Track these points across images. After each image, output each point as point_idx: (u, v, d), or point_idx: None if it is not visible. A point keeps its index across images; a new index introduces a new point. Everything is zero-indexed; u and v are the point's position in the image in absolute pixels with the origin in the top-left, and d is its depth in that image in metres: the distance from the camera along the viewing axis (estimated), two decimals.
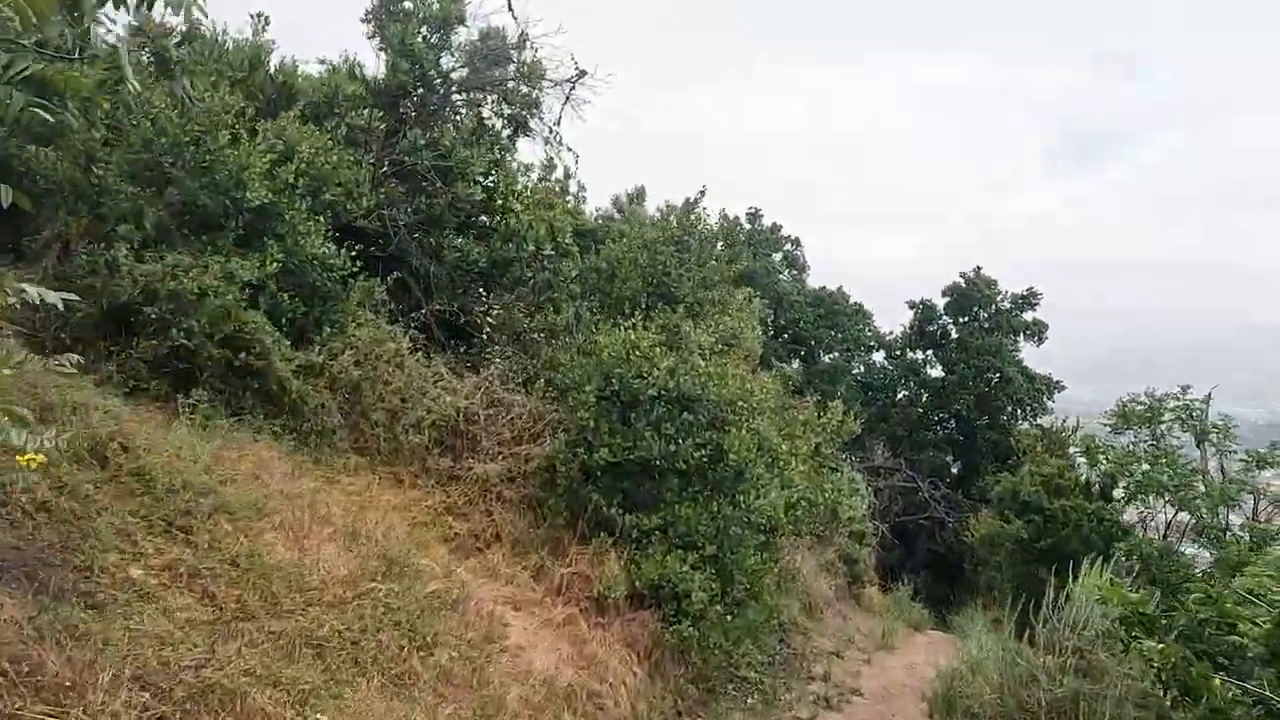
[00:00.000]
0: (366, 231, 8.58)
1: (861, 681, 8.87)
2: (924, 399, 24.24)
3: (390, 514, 6.36)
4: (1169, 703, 5.11)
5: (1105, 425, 13.81)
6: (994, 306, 23.33)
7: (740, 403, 7.79)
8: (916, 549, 20.67)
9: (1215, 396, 12.89)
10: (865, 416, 15.74)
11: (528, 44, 10.00)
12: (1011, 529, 13.66)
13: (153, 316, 6.15)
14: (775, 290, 22.75)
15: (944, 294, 23.93)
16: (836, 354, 24.50)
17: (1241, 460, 12.17)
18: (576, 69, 10.01)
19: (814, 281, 25.64)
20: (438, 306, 9.06)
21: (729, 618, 7.43)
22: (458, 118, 10.35)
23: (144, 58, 7.73)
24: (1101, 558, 7.72)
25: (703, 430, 7.48)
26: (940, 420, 23.99)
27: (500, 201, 9.78)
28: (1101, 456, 13.26)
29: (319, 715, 3.60)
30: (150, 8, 2.47)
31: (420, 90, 9.69)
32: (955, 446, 23.75)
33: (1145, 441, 13.12)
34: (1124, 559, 11.10)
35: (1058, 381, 22.98)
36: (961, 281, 23.66)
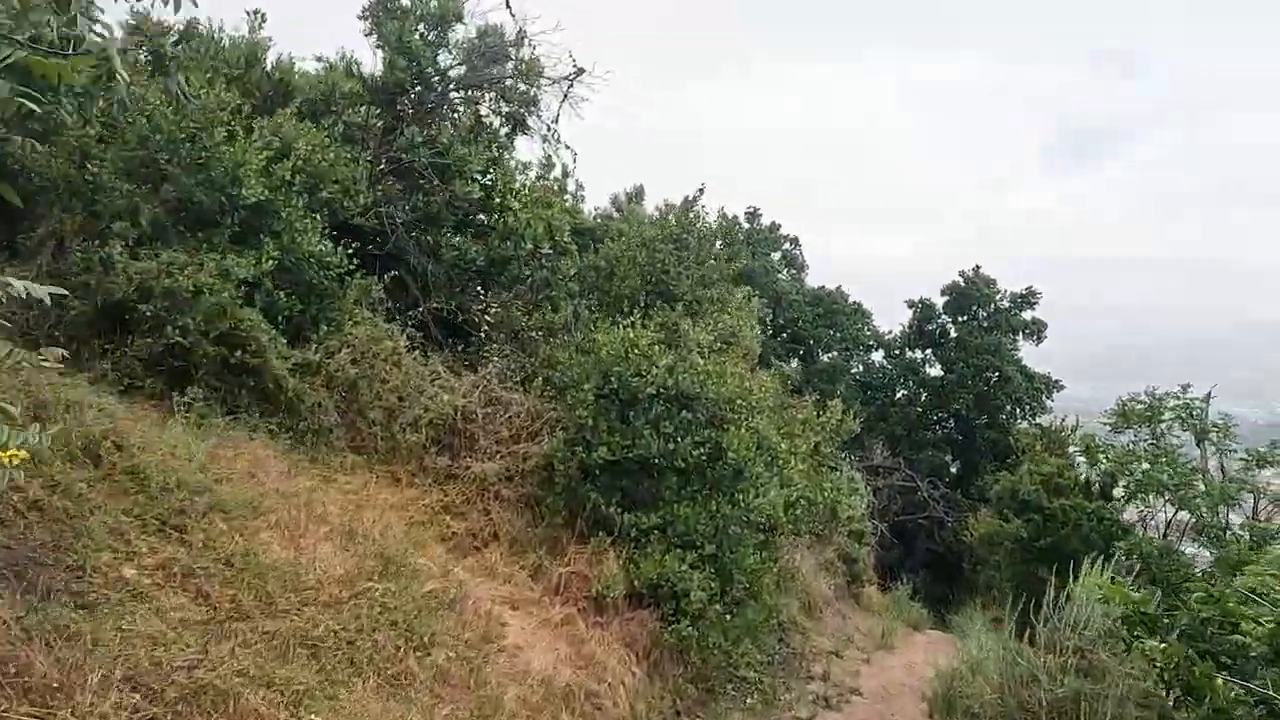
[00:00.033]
0: (364, 229, 8.53)
1: (861, 681, 8.84)
2: (923, 398, 24.20)
3: (387, 513, 6.31)
4: (1171, 703, 5.07)
5: (1105, 424, 13.78)
6: (993, 305, 23.30)
7: (739, 401, 7.75)
8: (915, 548, 20.64)
9: (1214, 395, 12.86)
10: (864, 416, 15.69)
11: (525, 41, 9.95)
12: (1011, 528, 13.63)
13: (147, 314, 6.11)
14: (774, 289, 22.71)
15: (943, 293, 23.89)
16: (835, 353, 24.46)
17: (1242, 459, 12.14)
18: (574, 66, 9.97)
19: (813, 280, 25.62)
20: (435, 305, 9.01)
21: (728, 617, 7.39)
22: (455, 115, 10.30)
23: (141, 55, 7.71)
24: (1102, 557, 7.69)
25: (701, 429, 7.44)
26: (939, 419, 23.96)
27: (498, 200, 9.73)
28: (1101, 455, 13.23)
29: (313, 716, 3.56)
30: None
31: (418, 88, 9.64)
32: (954, 446, 23.71)
33: (1145, 440, 13.08)
34: (1124, 558, 11.07)
35: (1057, 380, 22.94)
36: (960, 280, 23.62)
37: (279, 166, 7.31)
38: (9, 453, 2.32)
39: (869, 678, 9.06)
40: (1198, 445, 12.81)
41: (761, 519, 7.63)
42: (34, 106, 2.43)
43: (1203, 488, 11.91)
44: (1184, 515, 12.69)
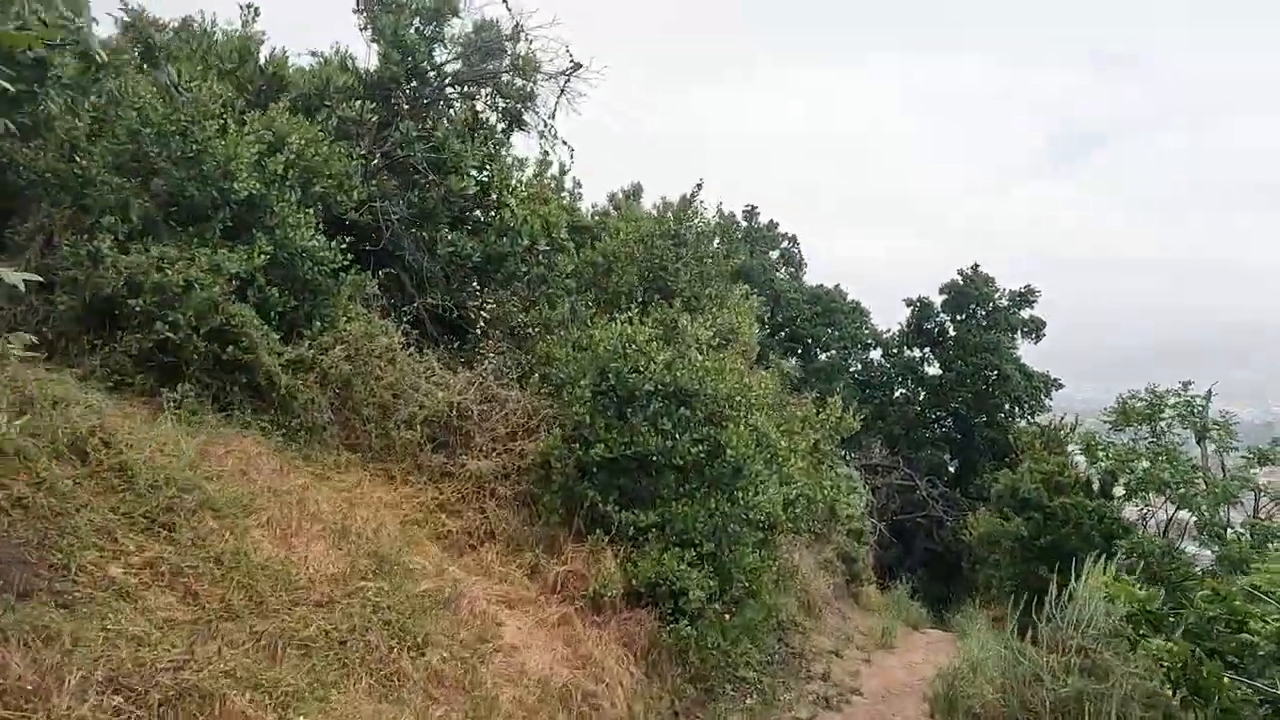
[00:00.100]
0: (358, 225, 8.43)
1: (861, 681, 8.76)
2: (921, 397, 24.16)
3: (381, 511, 6.22)
4: (1178, 702, 5.00)
5: (1105, 422, 13.73)
6: (992, 304, 23.26)
7: (738, 398, 7.67)
8: (914, 547, 20.59)
9: (1215, 394, 12.81)
10: (863, 414, 15.63)
11: (522, 36, 9.86)
12: (1011, 527, 13.55)
13: (137, 309, 6.01)
14: (772, 287, 22.66)
15: (941, 291, 23.84)
16: (833, 352, 24.40)
17: (1244, 456, 12.10)
18: (571, 61, 9.88)
19: (813, 280, 25.58)
20: (431, 301, 8.92)
21: (727, 616, 7.31)
22: (451, 111, 10.21)
23: (135, 52, 7.61)
24: (1104, 555, 7.62)
25: (700, 426, 7.36)
26: (938, 418, 23.91)
27: (495, 196, 9.65)
28: (1101, 453, 13.17)
29: (301, 718, 3.47)
30: None
31: (413, 83, 9.54)
32: (953, 444, 23.67)
33: (1145, 439, 13.03)
34: (1124, 557, 11.01)
35: (1056, 379, 22.90)
36: (959, 279, 23.58)
37: (271, 161, 7.20)
38: None
39: (869, 677, 8.98)
40: (1198, 443, 12.77)
41: (761, 517, 7.54)
42: (6, 85, 2.34)
43: (1203, 486, 11.86)
44: (1184, 514, 12.64)
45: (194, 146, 6.68)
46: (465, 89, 10.18)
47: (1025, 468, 14.52)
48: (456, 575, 5.94)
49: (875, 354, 25.07)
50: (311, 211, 7.44)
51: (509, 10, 9.68)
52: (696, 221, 10.78)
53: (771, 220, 25.57)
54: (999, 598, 13.78)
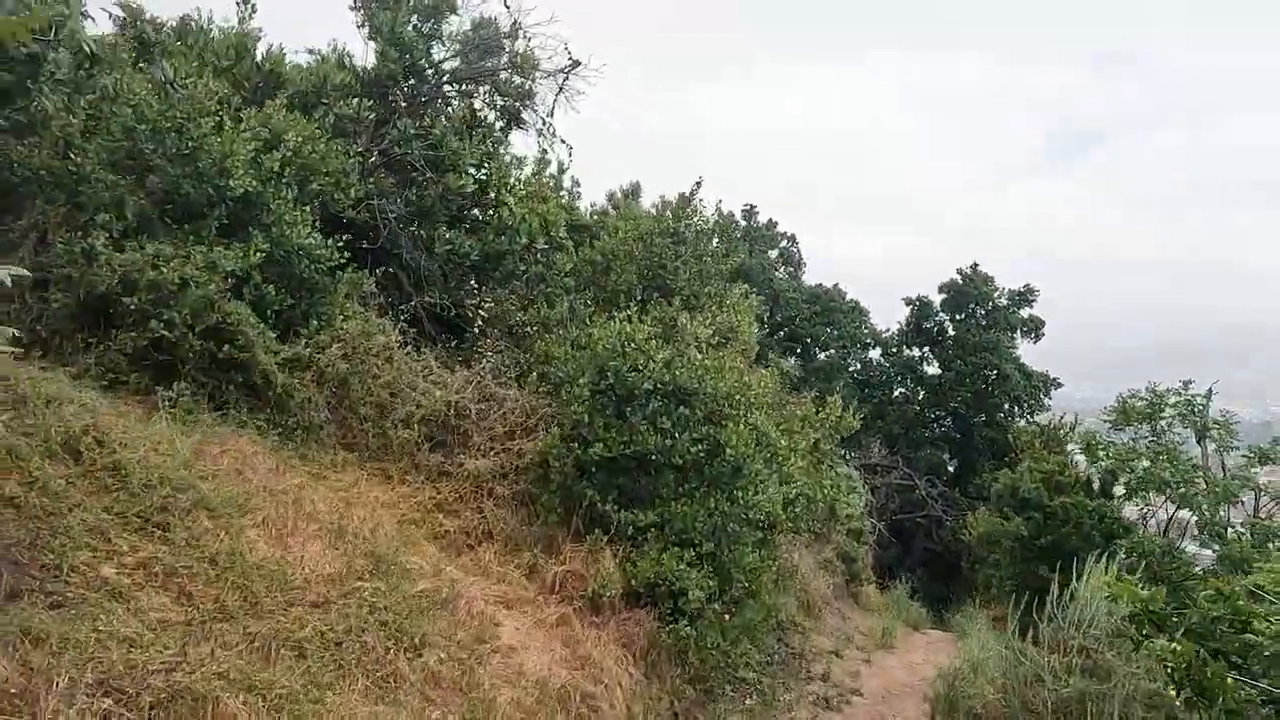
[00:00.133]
0: (355, 223, 8.37)
1: (861, 681, 8.72)
2: (921, 396, 24.13)
3: (378, 511, 6.17)
4: (1182, 704, 4.96)
5: (1106, 421, 13.70)
6: (991, 303, 23.23)
7: (738, 397, 7.62)
8: (913, 547, 20.56)
9: (1215, 393, 12.79)
10: (862, 414, 15.59)
11: (520, 33, 9.81)
12: (1011, 526, 13.51)
13: (132, 307, 5.95)
14: (771, 287, 22.62)
15: (940, 290, 23.81)
16: (832, 351, 24.37)
17: (1244, 456, 12.07)
18: (570, 59, 9.84)
19: (812, 279, 25.55)
20: (428, 300, 8.87)
21: (727, 617, 7.27)
22: (449, 109, 10.16)
23: (130, 48, 7.55)
24: (1105, 555, 7.58)
25: (700, 425, 7.31)
26: (937, 418, 23.88)
27: (493, 194, 9.60)
28: (1102, 453, 13.14)
29: None
30: None
31: (411, 80, 9.49)
32: (952, 444, 23.65)
33: (1146, 438, 13.00)
34: (1125, 556, 10.98)
35: (1055, 379, 22.87)
36: (958, 278, 23.55)
37: (268, 158, 7.14)
38: None
39: (869, 678, 8.94)
40: (1198, 442, 12.75)
41: (761, 517, 7.50)
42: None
43: (1204, 485, 11.83)
44: (1184, 513, 12.62)
45: (189, 143, 6.61)
46: (463, 87, 10.13)
47: (1025, 467, 14.49)
48: (454, 575, 5.89)
49: (874, 353, 25.05)
50: (308, 209, 7.38)
51: (507, 7, 9.65)
52: (695, 220, 10.74)
53: (770, 219, 25.56)
54: (999, 597, 13.75)
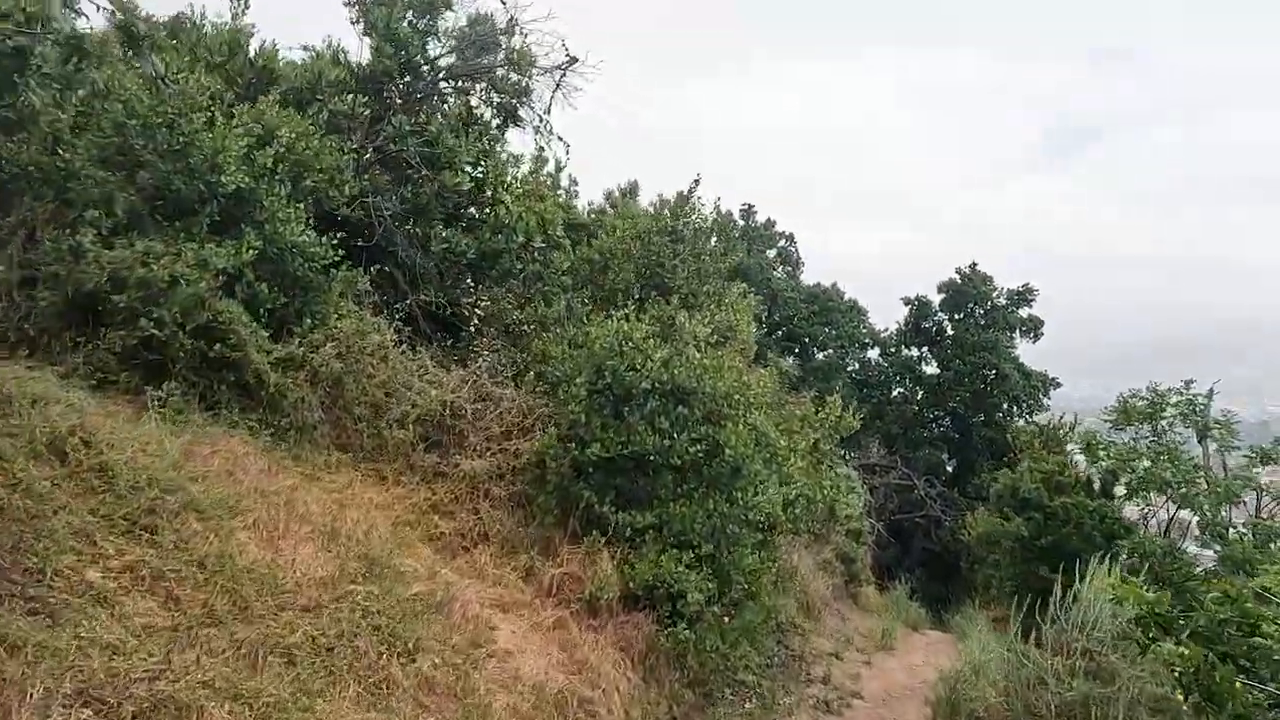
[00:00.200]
0: (350, 220, 8.27)
1: (861, 684, 8.64)
2: (919, 396, 24.09)
3: (372, 512, 6.07)
4: (1190, 708, 4.87)
5: (1106, 421, 13.63)
6: (990, 303, 23.18)
7: (737, 396, 7.53)
8: (912, 547, 20.52)
9: (1217, 392, 12.73)
10: (861, 414, 15.54)
11: (517, 30, 9.71)
12: (1011, 526, 13.45)
13: (121, 305, 5.84)
14: (769, 286, 22.56)
15: (939, 290, 23.77)
16: (831, 351, 24.32)
17: (1245, 456, 12.01)
18: (567, 55, 9.73)
19: (809, 277, 25.52)
20: (424, 298, 8.76)
21: (726, 619, 7.17)
22: (445, 106, 10.06)
23: (119, 42, 7.45)
24: (1106, 556, 7.51)
25: (698, 424, 7.22)
26: (936, 418, 23.85)
27: (489, 192, 9.50)
28: (1102, 453, 13.07)
29: None
30: None
31: (406, 77, 9.39)
32: (951, 444, 23.60)
33: (1147, 438, 12.93)
34: (1127, 557, 10.91)
35: (1054, 378, 22.83)
36: (957, 278, 23.51)
37: (260, 154, 7.03)
38: None
39: (869, 680, 8.86)
40: (1199, 442, 12.68)
41: (760, 518, 7.41)
42: None
43: (1205, 485, 11.77)
44: (1185, 514, 12.55)
45: (181, 139, 6.51)
46: (459, 83, 10.02)
47: (1025, 467, 14.43)
48: (449, 578, 5.79)
49: (873, 353, 25.01)
50: (302, 206, 7.27)
51: (504, 4, 9.54)
52: (694, 218, 10.66)
53: (769, 219, 25.51)
54: (998, 598, 13.70)
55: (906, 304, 24.27)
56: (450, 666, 4.78)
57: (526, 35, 9.65)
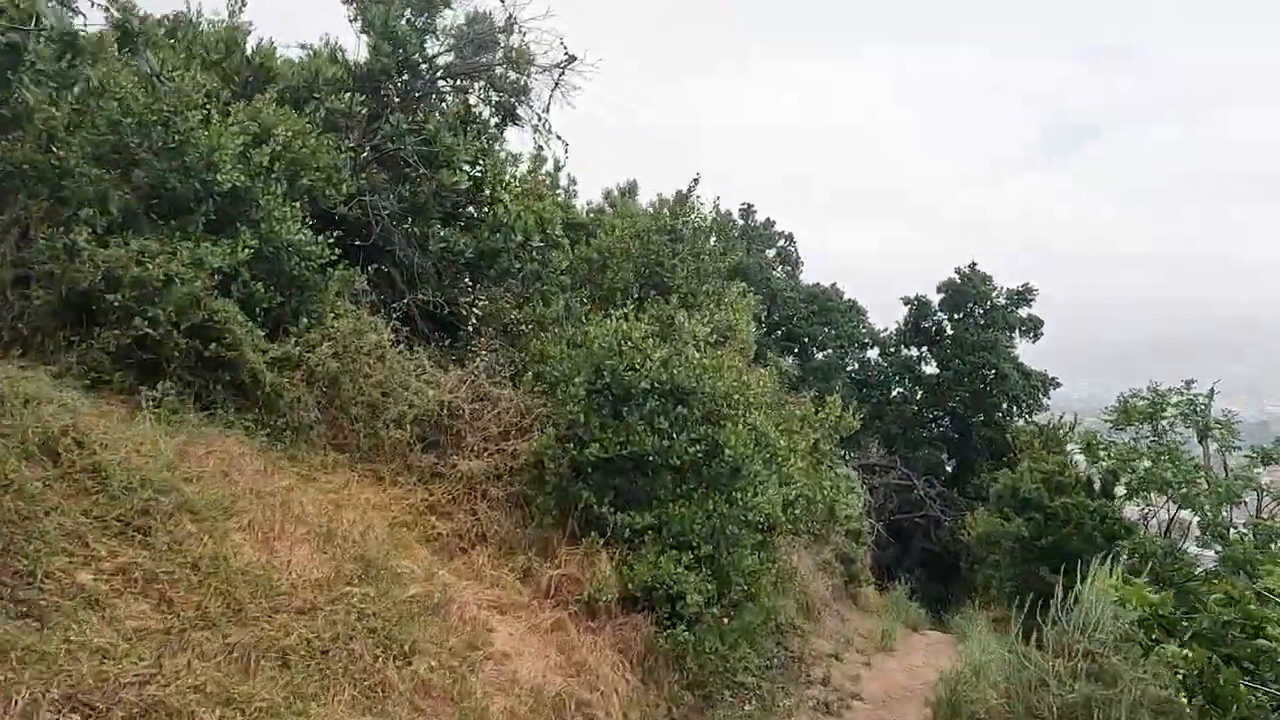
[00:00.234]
0: (347, 219, 8.22)
1: (861, 685, 8.59)
2: (919, 396, 24.07)
3: (369, 513, 6.02)
4: (1194, 712, 4.83)
5: (1106, 421, 13.59)
6: (989, 302, 23.16)
7: (736, 396, 7.48)
8: (912, 547, 20.49)
9: (1218, 392, 12.69)
10: (860, 414, 15.51)
11: (515, 28, 9.66)
12: (1011, 527, 13.41)
13: (115, 304, 5.78)
14: (769, 286, 22.52)
15: (939, 290, 23.75)
16: (830, 351, 24.29)
17: (1246, 456, 11.97)
18: (566, 54, 9.68)
19: (808, 275, 25.50)
20: (421, 297, 8.70)
21: (725, 621, 7.12)
22: (443, 104, 10.01)
23: (113, 38, 7.39)
24: (1109, 557, 7.47)
25: (698, 425, 7.17)
26: (935, 418, 23.83)
27: (488, 191, 9.45)
28: (1103, 453, 13.03)
29: None
30: None
31: (404, 75, 9.34)
32: (950, 444, 23.58)
33: (1147, 438, 12.89)
34: (1126, 558, 10.87)
35: (1054, 378, 22.80)
36: (956, 277, 23.49)
37: (257, 152, 6.99)
38: None
39: (869, 681, 8.82)
40: (1200, 442, 12.64)
41: (760, 518, 7.36)
42: None
43: (1206, 485, 11.73)
44: (1185, 514, 12.52)
45: (176, 137, 6.46)
46: (458, 82, 9.97)
47: (1025, 467, 14.39)
48: (446, 580, 5.74)
49: (872, 353, 24.98)
50: (298, 205, 7.22)
51: (502, 2, 9.49)
52: (693, 217, 10.62)
53: (768, 218, 25.48)
54: (998, 598, 13.66)
55: (906, 304, 24.26)
56: (447, 669, 4.73)
57: (525, 33, 9.61)
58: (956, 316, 23.51)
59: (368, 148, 8.85)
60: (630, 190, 15.99)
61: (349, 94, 8.74)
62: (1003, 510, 14.25)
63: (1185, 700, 4.83)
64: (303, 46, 9.61)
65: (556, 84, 9.87)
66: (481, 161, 9.51)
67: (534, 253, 9.54)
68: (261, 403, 6.41)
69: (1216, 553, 11.26)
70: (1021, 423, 21.15)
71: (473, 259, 9.12)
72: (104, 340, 5.79)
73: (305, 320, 7.00)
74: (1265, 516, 11.87)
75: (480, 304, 8.88)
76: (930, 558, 20.19)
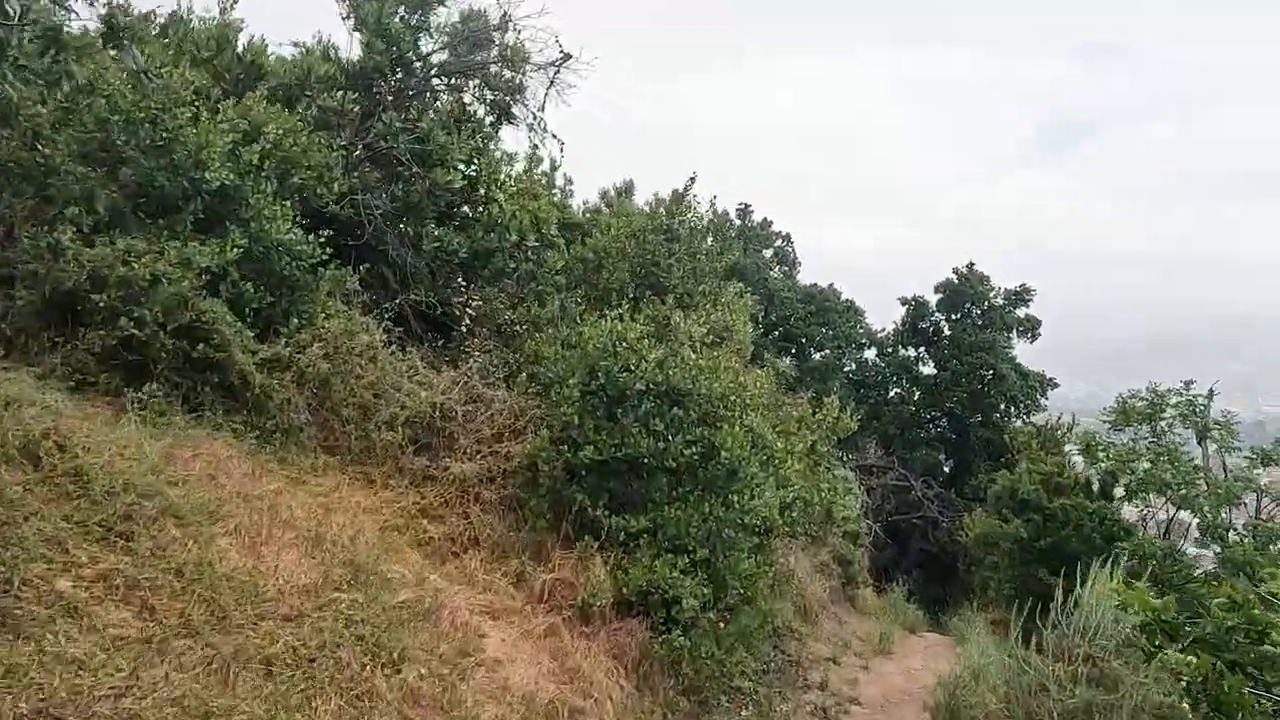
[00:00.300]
0: (339, 218, 8.11)
1: (859, 689, 8.50)
2: (916, 397, 23.99)
3: (359, 517, 5.93)
4: (1199, 718, 4.75)
5: (1105, 421, 13.52)
6: (987, 303, 23.08)
7: (733, 397, 7.39)
8: (909, 548, 20.41)
9: (1217, 392, 12.63)
10: (858, 415, 15.45)
11: (510, 26, 9.57)
12: (1010, 528, 13.33)
13: (101, 305, 5.68)
14: (766, 286, 22.43)
15: (936, 290, 23.66)
16: (828, 351, 24.19)
17: (1246, 458, 11.90)
18: (561, 52, 9.59)
19: (805, 274, 25.41)
20: (414, 297, 8.60)
21: (721, 625, 7.02)
22: (438, 103, 9.91)
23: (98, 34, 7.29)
24: (1109, 559, 7.40)
25: (694, 426, 7.08)
26: (933, 418, 23.75)
27: (482, 190, 9.36)
28: (1102, 454, 12.96)
29: None
30: None
31: (398, 73, 9.24)
32: (948, 445, 23.50)
33: (1146, 439, 12.83)
34: (1127, 559, 10.80)
35: (1051, 378, 22.73)
36: (954, 278, 23.40)
37: (247, 150, 6.89)
38: None
39: (868, 685, 8.73)
40: (1199, 443, 12.58)
41: (757, 521, 7.27)
42: None
43: (1205, 487, 11.66)
44: (1184, 515, 12.45)
45: (164, 135, 6.36)
46: (452, 80, 9.88)
47: (1023, 468, 14.32)
48: (437, 585, 5.65)
49: (870, 353, 24.89)
50: (289, 204, 7.13)
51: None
52: (689, 217, 10.52)
53: (765, 218, 25.38)
54: (997, 600, 13.59)
55: (903, 304, 24.16)
56: (437, 677, 4.63)
57: (520, 31, 9.52)
58: (954, 317, 23.43)
59: (360, 146, 8.75)
60: (627, 190, 15.90)
61: (341, 92, 8.63)
62: (1001, 511, 14.17)
63: (1188, 707, 4.74)
64: (295, 44, 9.51)
65: (552, 82, 9.79)
66: (476, 160, 9.41)
67: (529, 253, 9.44)
68: (250, 404, 6.31)
69: (1215, 554, 11.19)
70: (1019, 423, 21.08)
71: (467, 259, 9.02)
72: (89, 341, 5.68)
73: (296, 321, 6.91)
74: (1264, 518, 11.80)
75: (474, 304, 8.80)
76: (928, 559, 20.11)
